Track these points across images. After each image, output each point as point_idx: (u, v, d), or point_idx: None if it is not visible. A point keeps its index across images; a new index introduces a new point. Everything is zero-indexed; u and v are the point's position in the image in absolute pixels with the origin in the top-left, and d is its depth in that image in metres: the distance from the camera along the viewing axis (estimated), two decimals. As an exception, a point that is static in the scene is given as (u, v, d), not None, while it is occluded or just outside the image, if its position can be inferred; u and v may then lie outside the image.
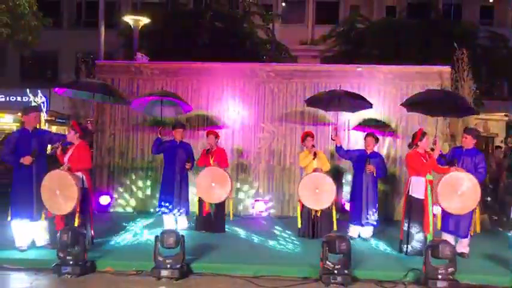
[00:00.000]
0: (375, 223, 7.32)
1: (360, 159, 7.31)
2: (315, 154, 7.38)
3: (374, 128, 8.83)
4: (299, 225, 7.35)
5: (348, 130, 9.06)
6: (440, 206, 6.19)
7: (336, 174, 8.76)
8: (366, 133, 7.67)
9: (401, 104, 7.55)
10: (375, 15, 23.48)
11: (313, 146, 7.47)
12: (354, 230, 7.39)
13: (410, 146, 6.76)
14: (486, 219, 8.46)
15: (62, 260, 5.45)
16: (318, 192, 7.02)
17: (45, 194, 5.99)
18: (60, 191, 5.93)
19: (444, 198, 6.11)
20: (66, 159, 6.25)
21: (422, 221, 6.36)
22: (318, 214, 7.21)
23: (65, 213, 6.02)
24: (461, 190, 6.08)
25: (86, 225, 6.22)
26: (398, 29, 18.39)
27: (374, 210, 7.27)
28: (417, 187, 6.47)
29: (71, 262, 5.43)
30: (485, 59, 17.31)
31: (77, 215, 5.99)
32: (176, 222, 7.70)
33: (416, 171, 6.46)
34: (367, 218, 7.26)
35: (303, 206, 7.27)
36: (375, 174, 7.22)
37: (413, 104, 7.31)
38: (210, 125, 9.12)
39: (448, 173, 6.21)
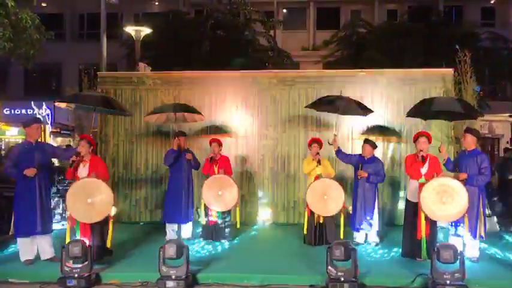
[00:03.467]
0: (371, 229, 7.24)
1: (357, 164, 7.31)
2: (318, 161, 7.37)
3: (378, 135, 8.80)
4: (305, 232, 7.33)
5: (352, 139, 9.00)
6: (423, 212, 6.11)
7: (342, 181, 8.74)
8: (364, 139, 7.66)
9: (407, 116, 7.53)
10: (376, 20, 23.52)
11: (317, 153, 7.44)
12: (360, 236, 7.35)
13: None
14: (494, 221, 8.37)
15: (67, 273, 5.43)
16: (326, 199, 6.98)
17: (73, 202, 5.95)
18: (92, 198, 5.92)
19: (426, 204, 6.05)
20: (82, 173, 6.26)
21: (415, 224, 6.32)
22: (321, 221, 7.18)
23: (99, 220, 6.02)
24: (445, 197, 5.98)
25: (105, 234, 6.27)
26: (400, 32, 18.39)
27: (371, 215, 7.21)
28: (412, 190, 6.50)
29: (76, 275, 5.41)
30: (487, 60, 17.25)
31: (111, 221, 6.07)
32: (180, 231, 7.68)
33: (408, 173, 6.59)
34: (361, 223, 7.22)
35: (310, 212, 7.24)
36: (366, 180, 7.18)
37: (423, 113, 7.31)
38: (214, 133, 9.10)
39: (432, 180, 6.15)
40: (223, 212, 7.52)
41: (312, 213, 7.23)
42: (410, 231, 6.44)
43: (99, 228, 6.21)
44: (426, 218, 6.20)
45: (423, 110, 7.16)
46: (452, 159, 6.89)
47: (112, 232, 6.28)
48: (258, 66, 15.62)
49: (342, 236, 7.04)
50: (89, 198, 5.93)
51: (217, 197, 7.35)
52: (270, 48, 19.92)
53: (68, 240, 6.05)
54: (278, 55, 19.81)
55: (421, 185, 6.28)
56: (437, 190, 6.03)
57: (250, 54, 18.25)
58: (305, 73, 10.32)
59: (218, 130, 9.23)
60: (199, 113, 8.24)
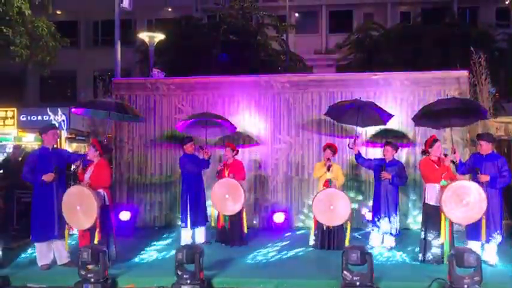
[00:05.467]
0: (394, 232, 7.22)
1: (378, 168, 7.26)
2: (328, 167, 7.35)
3: (392, 138, 8.76)
4: (311, 243, 7.38)
5: (366, 142, 8.96)
6: (443, 213, 6.07)
7: (356, 184, 8.74)
8: (385, 141, 7.61)
9: (412, 119, 7.51)
10: (389, 22, 23.40)
11: (328, 159, 7.42)
12: (375, 239, 7.30)
13: (423, 153, 6.70)
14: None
15: (83, 277, 5.47)
16: (333, 209, 6.93)
17: (66, 208, 6.04)
18: (80, 206, 5.97)
19: (448, 206, 5.99)
20: (87, 176, 6.32)
21: (439, 228, 6.24)
22: (330, 227, 7.16)
23: (85, 228, 6.05)
24: (466, 200, 5.94)
25: (108, 242, 6.26)
26: (414, 34, 18.26)
27: (393, 218, 7.18)
28: (432, 194, 6.41)
29: (92, 280, 5.45)
30: (503, 62, 17.05)
31: (97, 230, 6.00)
32: (195, 235, 7.71)
33: (429, 178, 6.44)
34: (386, 227, 7.18)
35: (317, 221, 7.23)
36: (389, 182, 7.14)
37: (421, 117, 7.27)
38: (227, 138, 9.12)
39: (454, 182, 6.10)
40: (232, 216, 7.51)
41: (318, 222, 7.21)
42: (434, 236, 6.34)
43: (106, 234, 6.23)
44: (448, 221, 6.16)
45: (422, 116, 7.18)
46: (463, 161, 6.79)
47: (98, 239, 6.03)
48: (270, 70, 15.64)
49: (347, 242, 7.04)
50: (78, 206, 5.97)
51: (223, 200, 7.35)
52: (283, 52, 19.93)
53: (66, 245, 6.22)
54: (291, 59, 19.82)
55: (443, 188, 6.24)
56: (458, 193, 5.99)
57: (263, 58, 18.28)
58: (318, 77, 10.28)
59: (232, 135, 9.24)
60: (232, 125, 8.34)
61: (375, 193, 7.41)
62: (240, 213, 7.48)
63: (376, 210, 7.30)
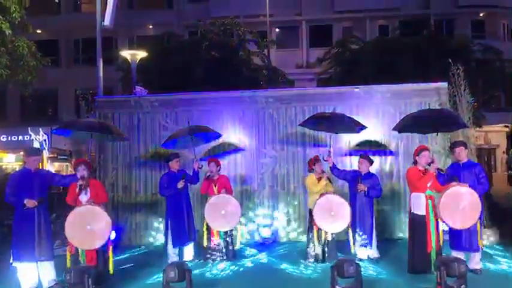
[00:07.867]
0: (371, 244, 7.22)
1: (354, 179, 7.32)
2: (328, 179, 7.38)
3: (374, 148, 8.87)
4: (309, 249, 7.28)
5: (349, 154, 9.05)
6: (443, 221, 6.12)
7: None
8: (360, 154, 7.67)
9: (393, 129, 7.60)
10: (368, 35, 23.79)
11: (323, 171, 7.43)
12: (362, 252, 7.32)
13: (414, 163, 6.76)
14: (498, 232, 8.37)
15: (70, 299, 5.37)
16: (334, 215, 6.93)
17: (73, 231, 5.89)
18: (91, 225, 5.86)
19: (447, 214, 6.02)
20: (86, 197, 6.26)
21: (425, 237, 6.27)
22: (329, 238, 7.16)
23: (98, 247, 5.95)
24: (462, 205, 5.99)
25: (105, 260, 6.22)
26: (392, 47, 18.56)
27: (369, 229, 7.21)
28: (418, 204, 6.43)
29: (80, 301, 5.35)
30: (480, 72, 17.42)
31: (110, 246, 5.97)
32: (182, 253, 7.64)
33: (415, 187, 6.46)
34: (361, 239, 7.20)
35: (318, 228, 7.18)
36: (365, 194, 7.20)
37: (403, 127, 7.40)
38: (212, 153, 9.13)
39: (449, 188, 6.17)
40: (225, 232, 7.50)
41: (319, 230, 7.20)
42: (421, 245, 6.32)
43: (102, 253, 6.18)
44: (436, 230, 6.21)
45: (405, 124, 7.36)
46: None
47: (112, 257, 6.18)
48: (253, 85, 15.72)
49: (352, 251, 7.05)
50: (88, 225, 5.87)
51: (220, 216, 7.31)
52: (265, 67, 20.09)
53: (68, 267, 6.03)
54: (273, 74, 19.97)
55: (428, 197, 6.28)
56: (455, 198, 6.00)
57: (245, 73, 18.38)
58: (301, 91, 10.39)
59: (216, 150, 9.25)
60: (216, 132, 8.36)
61: (351, 205, 7.42)
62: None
63: (352, 223, 7.29)
